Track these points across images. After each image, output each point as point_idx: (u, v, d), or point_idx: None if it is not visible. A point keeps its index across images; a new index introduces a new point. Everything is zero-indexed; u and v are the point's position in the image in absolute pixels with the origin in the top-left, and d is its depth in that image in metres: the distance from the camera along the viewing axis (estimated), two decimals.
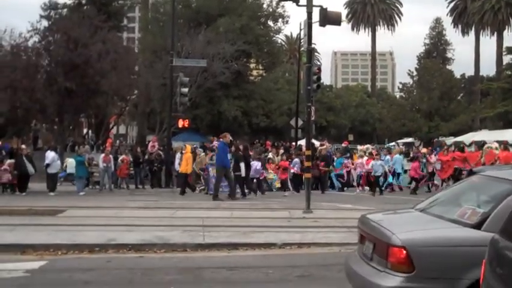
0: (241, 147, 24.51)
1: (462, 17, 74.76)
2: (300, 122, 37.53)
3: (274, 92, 54.53)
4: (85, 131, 53.65)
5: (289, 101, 53.95)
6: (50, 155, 24.83)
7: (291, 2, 19.72)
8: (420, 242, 5.95)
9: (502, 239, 4.80)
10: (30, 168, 24.58)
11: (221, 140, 23.55)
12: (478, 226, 5.92)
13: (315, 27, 19.51)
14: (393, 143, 52.40)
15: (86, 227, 14.16)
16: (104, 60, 29.82)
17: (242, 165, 22.95)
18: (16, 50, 30.34)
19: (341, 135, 71.05)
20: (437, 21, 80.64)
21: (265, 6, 52.08)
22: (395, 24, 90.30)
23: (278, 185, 27.13)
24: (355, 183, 27.67)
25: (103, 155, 27.13)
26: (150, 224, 14.71)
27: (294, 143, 38.67)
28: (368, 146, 35.40)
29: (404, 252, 5.83)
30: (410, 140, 56.58)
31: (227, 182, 22.72)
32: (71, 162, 27.32)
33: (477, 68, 72.64)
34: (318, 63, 51.04)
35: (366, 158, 27.12)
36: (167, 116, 32.98)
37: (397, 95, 77.58)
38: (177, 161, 26.65)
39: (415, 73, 61.18)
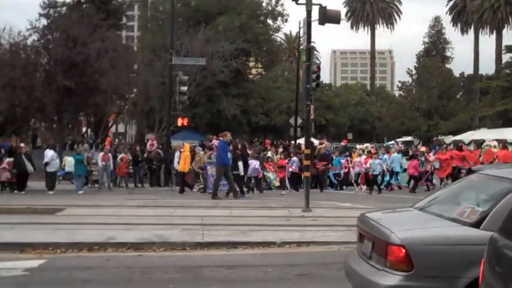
0: (239, 146, 24.50)
1: (461, 16, 74.72)
2: (299, 121, 37.51)
3: (273, 91, 54.50)
4: (84, 129, 53.69)
5: (288, 99, 53.94)
6: (49, 153, 24.81)
7: (290, 0, 19.72)
8: (419, 241, 5.95)
9: (501, 238, 4.80)
10: (29, 167, 24.57)
11: (221, 138, 23.54)
12: (477, 225, 5.92)
13: (314, 25, 19.53)
14: (392, 142, 52.36)
15: (85, 225, 14.15)
16: (103, 59, 29.78)
17: (240, 164, 22.94)
18: (15, 48, 30.30)
19: (340, 133, 71.05)
20: (437, 19, 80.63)
21: (264, 4, 52.02)
22: (395, 23, 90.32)
23: (277, 183, 27.13)
24: (354, 182, 27.66)
25: (102, 153, 27.14)
26: (149, 222, 14.70)
27: (293, 142, 38.66)
28: (367, 144, 35.42)
29: (403, 250, 5.83)
30: (409, 138, 56.58)
31: (227, 181, 22.67)
32: (69, 161, 27.31)
33: (476, 67, 72.65)
34: (317, 61, 51.04)
35: (364, 156, 27.14)
36: (166, 115, 32.96)
37: (396, 93, 77.57)
38: (176, 160, 26.65)
39: (414, 72, 61.14)
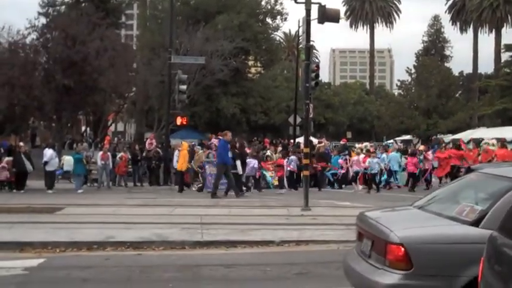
0: (237, 144, 24.49)
1: (460, 15, 74.69)
2: (298, 120, 37.54)
3: (272, 90, 54.51)
4: (83, 128, 53.68)
5: (287, 98, 53.93)
6: (48, 152, 24.81)
7: None
8: (418, 239, 5.95)
9: (500, 236, 4.81)
10: (28, 166, 24.57)
11: (220, 137, 23.54)
12: (476, 223, 5.93)
13: (314, 24, 19.55)
14: (391, 141, 52.37)
15: (84, 224, 14.15)
16: (101, 58, 29.80)
17: (238, 162, 22.95)
18: (14, 47, 30.30)
19: (339, 132, 71.06)
20: (436, 18, 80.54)
21: (263, 3, 52.02)
22: (394, 22, 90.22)
23: (275, 182, 27.14)
24: (352, 181, 27.66)
25: (101, 152, 27.14)
26: (148, 221, 14.69)
27: (292, 141, 38.68)
28: (366, 143, 35.40)
29: (403, 249, 5.83)
30: (408, 137, 56.56)
31: (227, 180, 22.60)
32: (67, 160, 27.29)
33: (475, 66, 72.62)
34: (316, 60, 51.14)
35: (362, 155, 27.11)
36: (165, 114, 32.95)
37: (395, 92, 77.56)
38: (175, 159, 26.64)
39: (413, 70, 61.14)
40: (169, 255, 11.25)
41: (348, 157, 28.86)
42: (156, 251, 11.71)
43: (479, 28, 71.82)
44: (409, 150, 30.54)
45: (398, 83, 65.84)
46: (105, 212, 16.91)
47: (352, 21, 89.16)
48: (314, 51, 71.46)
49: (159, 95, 39.85)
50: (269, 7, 51.89)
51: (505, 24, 69.32)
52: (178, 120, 32.19)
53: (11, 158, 25.16)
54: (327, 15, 19.01)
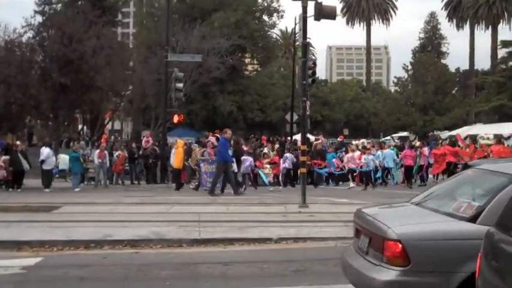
0: (232, 142, 24.46)
1: (457, 11, 74.66)
2: (295, 117, 37.57)
3: (269, 87, 54.54)
4: (80, 126, 53.52)
5: (284, 95, 53.95)
6: (45, 151, 24.77)
7: None
8: (416, 236, 5.95)
9: (497, 232, 4.81)
10: (25, 165, 24.53)
11: (218, 135, 23.52)
12: (473, 219, 5.93)
13: (310, 21, 19.53)
14: (388, 137, 52.43)
15: (81, 223, 14.14)
16: (98, 56, 29.78)
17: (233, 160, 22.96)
18: (10, 45, 30.25)
19: (336, 129, 71.03)
20: (432, 15, 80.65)
21: (260, 0, 52.12)
22: (390, 18, 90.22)
23: (271, 179, 27.09)
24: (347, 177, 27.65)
25: (98, 150, 27.08)
26: (145, 219, 14.68)
27: (289, 138, 38.68)
28: (363, 140, 35.39)
29: (400, 246, 5.83)
30: (405, 134, 56.64)
31: (226, 177, 22.53)
32: (63, 158, 27.24)
33: (472, 62, 72.63)
34: (313, 57, 50.96)
35: (358, 152, 27.06)
36: (162, 112, 32.94)
37: (392, 89, 77.66)
38: (172, 157, 26.63)
39: (409, 67, 61.25)
40: (167, 253, 11.25)
41: (344, 154, 28.83)
42: (153, 249, 11.70)
43: (476, 25, 71.83)
44: (407, 144, 30.56)
45: (395, 80, 66.09)
46: (102, 210, 16.90)
47: (349, 18, 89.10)
48: (310, 48, 71.47)
49: (156, 93, 39.82)
50: (265, 4, 51.96)
51: (501, 21, 69.40)
52: (175, 118, 32.17)
53: (7, 157, 25.09)
54: (324, 12, 19.01)
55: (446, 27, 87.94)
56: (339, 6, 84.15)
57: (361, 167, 26.04)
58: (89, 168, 27.77)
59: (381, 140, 43.37)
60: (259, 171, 26.10)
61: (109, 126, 60.82)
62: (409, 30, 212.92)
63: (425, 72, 57.08)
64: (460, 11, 73.57)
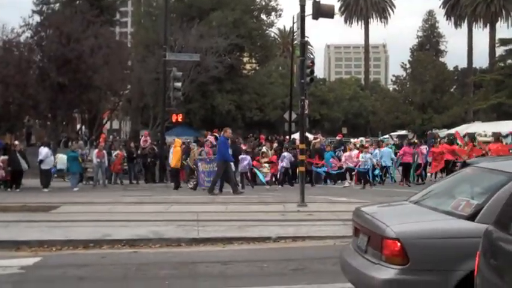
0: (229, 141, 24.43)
1: (455, 9, 74.72)
2: (294, 116, 37.55)
3: (267, 86, 54.54)
4: (78, 126, 53.54)
5: (282, 94, 53.97)
6: (44, 150, 24.75)
7: None
8: (414, 234, 5.95)
9: (496, 230, 4.81)
10: (23, 165, 24.51)
11: (216, 134, 23.49)
12: (472, 218, 5.93)
13: (308, 20, 19.53)
14: (387, 136, 52.47)
15: (80, 223, 14.13)
16: (96, 55, 29.75)
17: None
18: (8, 45, 30.22)
19: (334, 128, 71.09)
20: (430, 13, 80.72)
21: None
22: (388, 17, 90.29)
23: (268, 179, 27.10)
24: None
25: (96, 150, 27.06)
26: (144, 219, 14.68)
27: (287, 137, 38.68)
28: (362, 138, 35.41)
29: (399, 244, 5.83)
30: (403, 132, 56.71)
31: (226, 177, 22.47)
32: (61, 158, 27.21)
33: (470, 60, 72.72)
34: (311, 56, 50.92)
35: (355, 151, 27.04)
36: (161, 111, 32.93)
37: (391, 87, 77.68)
38: (171, 156, 26.62)
39: (408, 66, 61.29)
40: (166, 253, 11.24)
41: (342, 152, 28.80)
42: (152, 248, 11.70)
43: (474, 23, 71.93)
44: (405, 142, 30.56)
45: (393, 78, 66.13)
46: (100, 210, 16.89)
47: (347, 16, 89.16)
48: (309, 47, 71.72)
49: (154, 93, 39.81)
50: (263, 3, 51.93)
51: (499, 19, 69.50)
52: (174, 118, 32.15)
53: (6, 157, 25.08)
54: (321, 11, 19.01)
55: (445, 26, 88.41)
56: (337, 5, 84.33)
57: (358, 165, 26.03)
58: (87, 168, 27.75)
59: (379, 139, 43.43)
60: (257, 171, 26.11)
61: (107, 126, 60.79)
62: (407, 29, 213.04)
63: (423, 70, 57.14)
64: (458, 9, 73.65)
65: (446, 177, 9.72)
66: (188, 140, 29.37)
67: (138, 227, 13.38)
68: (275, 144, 31.40)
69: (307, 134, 30.82)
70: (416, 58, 61.94)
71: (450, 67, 69.42)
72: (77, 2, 45.62)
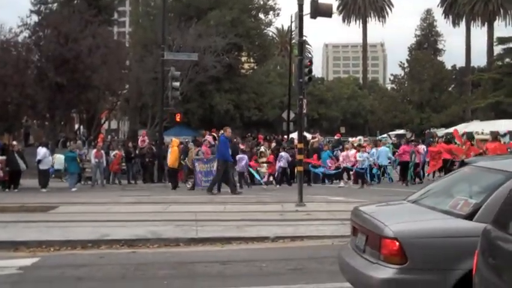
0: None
1: (453, 8, 74.73)
2: (292, 115, 37.54)
3: (265, 85, 54.52)
4: (76, 126, 53.53)
5: (280, 94, 53.94)
6: (42, 151, 24.74)
7: None
8: (413, 234, 5.94)
9: (494, 229, 4.81)
10: (21, 165, 24.51)
11: (214, 134, 23.47)
12: (470, 217, 5.93)
13: (306, 19, 19.51)
14: (385, 135, 52.50)
15: (78, 223, 14.11)
16: (94, 55, 29.77)
17: None
18: (6, 45, 30.24)
19: (333, 127, 71.15)
20: (428, 12, 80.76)
21: None
22: (386, 16, 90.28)
23: (271, 178, 27.11)
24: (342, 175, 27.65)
25: (95, 150, 27.06)
26: (142, 219, 14.66)
27: (285, 136, 38.68)
28: (360, 137, 35.40)
29: (397, 243, 5.82)
30: (402, 131, 56.73)
31: (226, 177, 22.41)
32: (58, 158, 27.17)
33: (468, 59, 72.74)
34: (309, 55, 50.99)
35: (353, 151, 27.02)
36: (159, 111, 32.93)
37: (389, 86, 77.76)
38: (169, 156, 26.61)
39: (406, 65, 61.31)
40: (164, 253, 11.23)
41: (339, 152, 28.80)
42: (150, 248, 11.68)
43: (472, 21, 71.96)
44: (403, 141, 30.56)
45: (392, 77, 66.12)
46: (99, 210, 16.89)
47: (345, 15, 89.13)
48: (307, 46, 71.21)
49: (152, 92, 39.80)
50: (261, 2, 51.93)
51: (497, 17, 69.55)
52: (178, 117, 32.19)
53: (4, 157, 25.06)
54: (320, 10, 19.00)
55: (443, 24, 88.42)
56: (335, 4, 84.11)
57: (356, 165, 26.03)
58: (85, 168, 27.76)
59: (377, 138, 43.42)
60: (252, 171, 26.10)
61: (106, 126, 60.84)
62: (405, 28, 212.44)
63: (421, 69, 57.19)
64: (456, 7, 73.66)
65: (445, 177, 9.72)
66: (186, 140, 29.35)
67: (136, 227, 13.37)
68: (273, 144, 31.42)
69: (306, 134, 30.86)
70: (414, 57, 61.96)
71: (448, 66, 69.57)
72: (75, 1, 45.59)
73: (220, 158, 22.12)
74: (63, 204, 18.23)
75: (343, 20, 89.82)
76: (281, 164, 25.89)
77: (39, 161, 24.40)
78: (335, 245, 10.73)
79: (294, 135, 32.80)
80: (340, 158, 27.45)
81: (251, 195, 21.43)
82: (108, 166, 27.51)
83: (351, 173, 27.13)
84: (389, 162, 27.74)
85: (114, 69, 32.20)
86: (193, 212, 15.76)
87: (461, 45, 74.67)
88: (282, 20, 66.12)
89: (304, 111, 21.07)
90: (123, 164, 28.70)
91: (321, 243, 11.88)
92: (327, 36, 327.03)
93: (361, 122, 78.02)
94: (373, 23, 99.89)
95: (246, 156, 24.99)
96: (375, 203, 8.49)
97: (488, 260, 4.68)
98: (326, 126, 74.16)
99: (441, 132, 41.28)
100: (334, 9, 24.76)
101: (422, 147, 27.71)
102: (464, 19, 73.43)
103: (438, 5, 77.50)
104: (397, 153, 27.59)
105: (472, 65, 74.51)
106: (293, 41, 38.02)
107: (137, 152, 29.47)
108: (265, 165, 26.87)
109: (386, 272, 5.89)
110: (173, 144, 25.45)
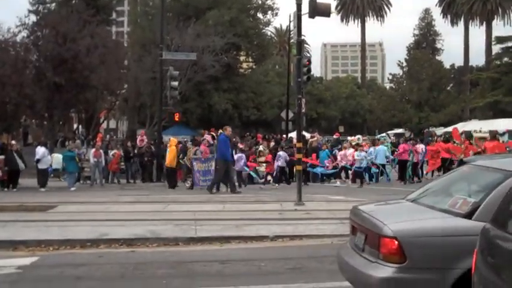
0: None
1: (451, 7, 74.74)
2: (291, 114, 37.55)
3: (264, 85, 54.53)
4: (75, 126, 53.49)
5: (279, 93, 53.96)
6: (40, 150, 24.75)
7: None
8: (412, 233, 5.95)
9: (493, 228, 4.82)
10: (20, 164, 24.51)
11: (212, 133, 23.46)
12: (469, 216, 5.93)
13: (305, 19, 19.51)
14: (384, 134, 52.50)
15: (77, 222, 14.11)
16: (92, 55, 29.75)
17: None
18: (4, 45, 30.20)
19: (331, 127, 71.20)
20: (427, 11, 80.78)
21: None
22: (385, 15, 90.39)
23: (269, 177, 27.10)
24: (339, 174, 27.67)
25: (93, 150, 27.07)
26: (141, 218, 14.65)
27: (284, 136, 38.69)
28: (359, 136, 35.40)
29: (396, 242, 5.83)
30: (400, 131, 56.74)
31: (226, 177, 22.40)
32: (56, 158, 27.18)
33: (466, 58, 72.74)
34: (308, 55, 51.15)
35: (351, 150, 27.02)
36: (157, 110, 32.92)
37: (387, 86, 77.76)
38: (167, 155, 26.60)
39: (404, 64, 61.33)
40: (163, 252, 11.23)
41: (337, 151, 28.80)
42: (149, 247, 11.68)
43: (470, 21, 71.98)
44: (402, 140, 30.57)
45: (390, 77, 66.15)
46: (98, 209, 16.88)
47: (343, 15, 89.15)
48: (305, 45, 71.54)
49: (151, 92, 39.81)
50: (260, 2, 51.95)
51: (495, 17, 69.58)
52: (177, 116, 32.19)
53: (3, 157, 25.05)
54: (318, 10, 18.99)
55: (441, 24, 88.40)
56: (333, 4, 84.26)
57: (354, 164, 26.04)
58: (84, 168, 27.75)
59: (376, 137, 43.44)
60: (250, 172, 26.10)
61: (104, 125, 60.83)
62: (404, 27, 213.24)
63: (420, 68, 57.21)
64: (454, 7, 73.66)
65: (443, 176, 9.72)
66: (185, 139, 29.34)
67: (135, 226, 13.36)
68: (272, 143, 31.42)
69: (304, 133, 30.84)
70: (412, 56, 62.01)
71: (447, 65, 69.59)
72: (73, 1, 45.55)
73: (219, 158, 22.08)
74: (62, 204, 18.22)
75: (342, 20, 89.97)
76: (279, 163, 25.87)
77: (38, 161, 24.41)
78: (334, 244, 10.74)
79: (293, 135, 32.83)
80: (338, 157, 27.44)
81: (250, 195, 21.42)
82: (107, 165, 27.51)
83: (349, 172, 27.12)
84: (388, 162, 27.72)
85: (113, 69, 32.19)
86: (192, 211, 15.77)
87: (459, 45, 74.88)
88: (281, 19, 66.40)
89: (303, 110, 21.06)
90: (122, 163, 28.71)
91: (320, 242, 11.88)
92: (326, 35, 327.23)
93: (360, 121, 78.06)
94: (371, 22, 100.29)
95: (244, 156, 24.99)
96: (374, 202, 8.50)
97: (487, 258, 4.69)
98: (325, 125, 74.22)
99: (440, 131, 41.31)
100: (333, 8, 24.83)
101: (420, 147, 27.70)
102: (462, 18, 73.47)
103: (436, 5, 77.58)
104: (396, 152, 27.60)
105: (470, 64, 74.54)
106: (291, 40, 37.92)
107: (136, 151, 29.46)
108: (264, 164, 26.86)
109: (386, 271, 5.89)
110: (171, 143, 25.45)
